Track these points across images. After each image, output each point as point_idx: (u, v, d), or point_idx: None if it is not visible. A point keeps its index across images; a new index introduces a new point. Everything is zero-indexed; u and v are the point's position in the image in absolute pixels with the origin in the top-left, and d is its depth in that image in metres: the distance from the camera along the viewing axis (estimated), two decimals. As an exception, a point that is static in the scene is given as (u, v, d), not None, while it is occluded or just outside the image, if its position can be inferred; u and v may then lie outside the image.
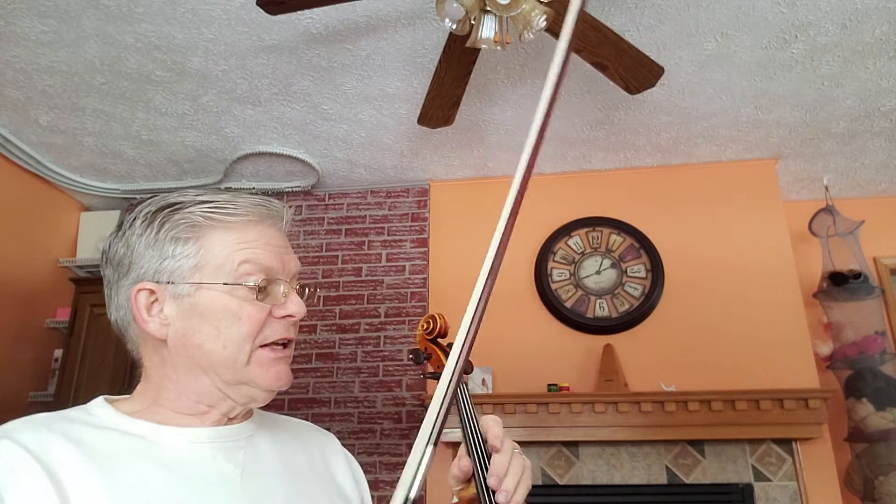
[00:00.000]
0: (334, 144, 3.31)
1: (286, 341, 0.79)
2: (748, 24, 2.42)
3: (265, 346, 0.77)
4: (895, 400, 3.05)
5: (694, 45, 2.55)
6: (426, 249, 3.60)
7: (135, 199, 3.86)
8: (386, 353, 3.42)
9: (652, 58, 2.18)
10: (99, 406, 0.76)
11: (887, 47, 2.55)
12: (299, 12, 2.26)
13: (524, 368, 3.24)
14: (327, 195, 3.78)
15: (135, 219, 0.78)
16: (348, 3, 2.02)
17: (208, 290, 0.75)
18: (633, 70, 2.19)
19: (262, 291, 0.76)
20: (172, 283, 0.75)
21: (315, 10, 2.31)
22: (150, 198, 0.80)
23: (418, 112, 2.49)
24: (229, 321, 0.74)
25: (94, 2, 2.30)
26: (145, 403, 0.77)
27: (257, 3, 1.94)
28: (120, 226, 0.79)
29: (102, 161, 3.48)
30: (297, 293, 0.80)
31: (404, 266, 3.58)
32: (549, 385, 3.11)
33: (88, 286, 3.44)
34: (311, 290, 0.84)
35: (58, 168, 3.52)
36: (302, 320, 0.81)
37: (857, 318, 3.23)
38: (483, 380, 3.21)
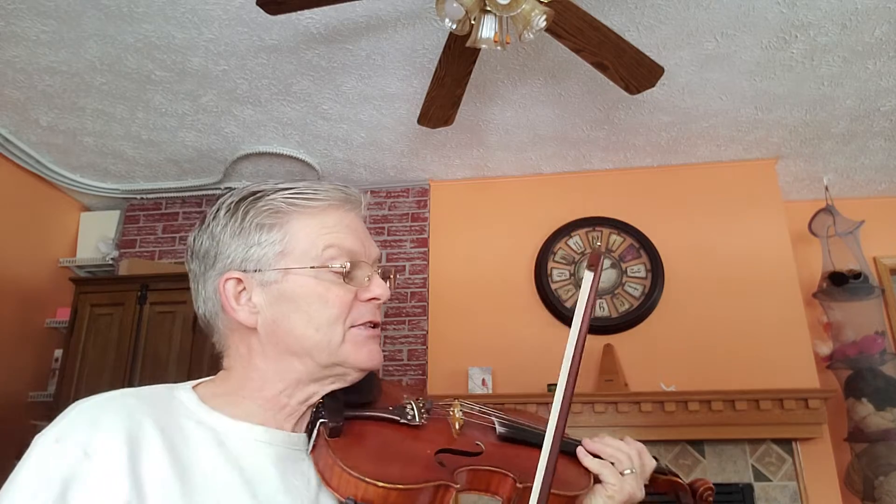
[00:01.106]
0: (334, 144, 3.31)
1: (374, 324, 0.80)
2: (748, 24, 2.42)
3: (356, 326, 0.77)
4: (895, 400, 3.05)
5: (694, 45, 2.55)
6: (426, 249, 3.60)
7: (135, 198, 3.86)
8: (386, 353, 3.42)
9: (652, 58, 2.18)
10: (185, 391, 0.75)
11: (887, 47, 2.55)
12: (299, 12, 2.26)
13: (524, 368, 3.24)
14: (327, 195, 3.77)
15: (218, 210, 0.79)
16: (348, 3, 2.02)
17: (296, 275, 0.75)
18: (633, 70, 2.19)
19: (347, 275, 0.77)
20: (260, 270, 0.76)
21: (315, 10, 2.31)
22: (233, 189, 0.81)
23: (418, 112, 2.49)
24: (318, 305, 0.75)
25: (94, 2, 2.30)
26: (227, 389, 0.77)
27: (257, 3, 1.94)
28: (203, 219, 0.80)
29: (102, 161, 3.48)
30: (380, 276, 0.81)
31: (404, 266, 3.58)
32: (549, 385, 3.11)
33: (88, 286, 3.44)
34: (393, 275, 0.85)
35: (58, 168, 3.52)
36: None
37: (857, 318, 3.23)
38: (483, 380, 3.21)
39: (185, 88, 2.84)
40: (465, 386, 3.21)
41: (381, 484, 0.67)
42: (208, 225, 0.79)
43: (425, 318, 3.46)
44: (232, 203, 0.79)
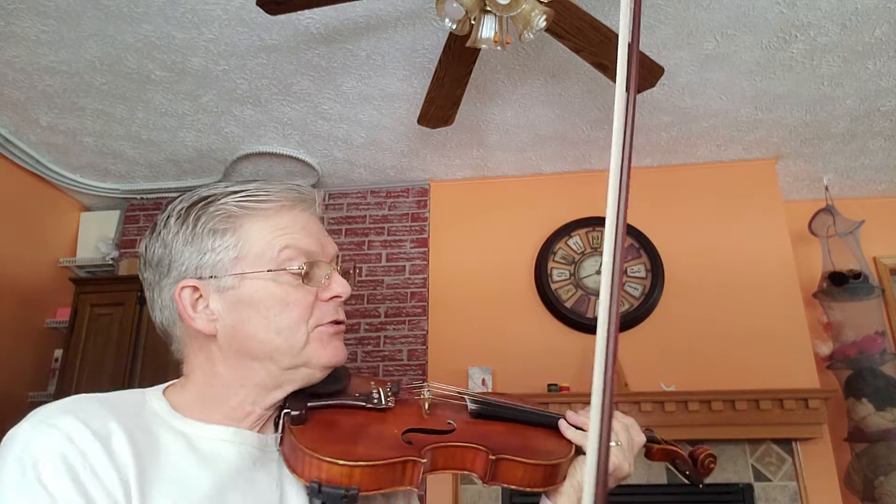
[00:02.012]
0: (334, 144, 3.31)
1: (337, 321, 0.79)
2: (748, 24, 2.42)
3: (320, 325, 0.77)
4: (895, 400, 3.05)
5: (694, 45, 2.55)
6: (426, 249, 3.60)
7: (135, 198, 3.86)
8: (386, 353, 3.42)
9: (652, 58, 2.18)
10: (156, 398, 0.75)
11: (887, 47, 2.55)
12: (299, 12, 2.26)
13: (524, 368, 3.24)
14: (327, 195, 3.78)
15: (168, 217, 0.77)
16: (348, 3, 2.02)
17: (252, 279, 0.74)
18: (633, 70, 2.18)
19: (305, 276, 0.76)
20: (215, 277, 0.74)
21: (315, 10, 2.31)
22: (180, 195, 0.80)
23: (418, 112, 2.49)
24: (278, 308, 0.74)
25: (94, 2, 2.30)
26: (192, 399, 0.76)
27: (257, 3, 1.93)
28: (154, 227, 0.78)
29: (102, 161, 3.48)
30: (340, 274, 0.80)
31: (404, 266, 3.58)
32: (549, 385, 3.11)
33: (88, 286, 3.44)
34: (353, 270, 0.84)
35: (58, 168, 3.52)
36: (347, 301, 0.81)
37: (857, 318, 3.23)
38: (483, 380, 3.21)
39: (185, 88, 2.84)
40: (464, 386, 3.21)
41: (342, 462, 0.67)
42: (159, 233, 0.77)
43: (425, 318, 3.46)
44: (182, 209, 0.77)
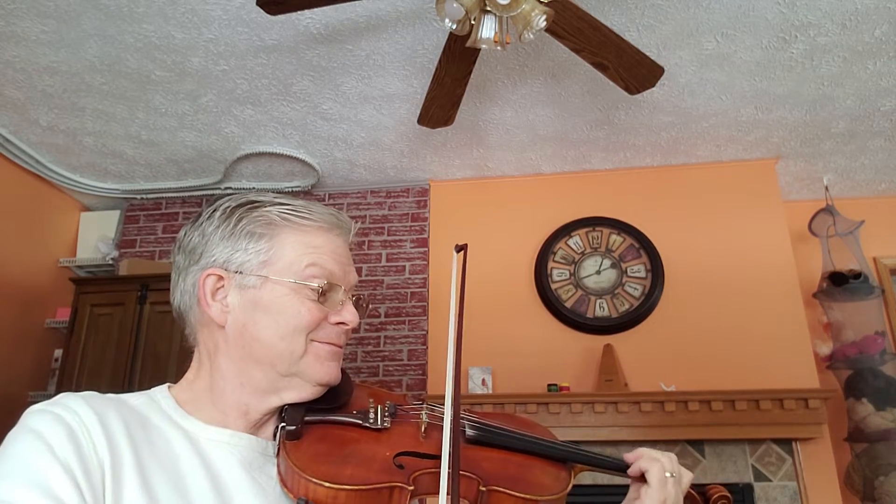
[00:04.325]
0: (334, 144, 3.31)
1: (337, 345, 0.82)
2: (748, 24, 2.42)
3: (319, 340, 0.80)
4: (895, 400, 3.05)
5: (694, 45, 2.55)
6: (426, 249, 3.60)
7: (135, 198, 3.86)
8: (386, 353, 3.42)
9: (652, 58, 2.18)
10: (162, 395, 0.79)
11: (887, 47, 2.55)
12: (299, 12, 2.26)
13: (524, 368, 3.24)
14: (327, 195, 3.78)
15: (214, 211, 0.82)
16: (348, 3, 2.02)
17: (275, 284, 0.78)
18: (633, 70, 2.19)
19: (322, 295, 0.79)
20: (241, 273, 0.79)
21: (315, 10, 2.31)
22: (232, 194, 0.85)
23: (418, 112, 2.49)
24: (289, 315, 0.77)
25: (94, 2, 2.30)
26: (196, 394, 0.80)
27: (257, 3, 1.94)
28: (197, 217, 0.83)
29: (102, 161, 3.48)
30: (353, 304, 0.83)
31: (404, 266, 3.58)
32: (549, 385, 3.11)
33: (88, 286, 3.44)
34: (365, 303, 0.87)
35: (58, 168, 3.52)
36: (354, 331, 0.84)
37: (857, 318, 3.23)
38: (483, 380, 3.21)
39: (185, 88, 2.84)
40: (465, 386, 3.21)
41: (327, 484, 0.68)
42: (201, 223, 0.82)
43: (425, 318, 3.46)
44: (228, 207, 0.82)
